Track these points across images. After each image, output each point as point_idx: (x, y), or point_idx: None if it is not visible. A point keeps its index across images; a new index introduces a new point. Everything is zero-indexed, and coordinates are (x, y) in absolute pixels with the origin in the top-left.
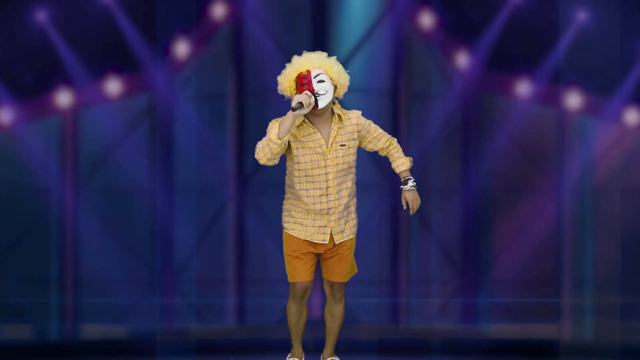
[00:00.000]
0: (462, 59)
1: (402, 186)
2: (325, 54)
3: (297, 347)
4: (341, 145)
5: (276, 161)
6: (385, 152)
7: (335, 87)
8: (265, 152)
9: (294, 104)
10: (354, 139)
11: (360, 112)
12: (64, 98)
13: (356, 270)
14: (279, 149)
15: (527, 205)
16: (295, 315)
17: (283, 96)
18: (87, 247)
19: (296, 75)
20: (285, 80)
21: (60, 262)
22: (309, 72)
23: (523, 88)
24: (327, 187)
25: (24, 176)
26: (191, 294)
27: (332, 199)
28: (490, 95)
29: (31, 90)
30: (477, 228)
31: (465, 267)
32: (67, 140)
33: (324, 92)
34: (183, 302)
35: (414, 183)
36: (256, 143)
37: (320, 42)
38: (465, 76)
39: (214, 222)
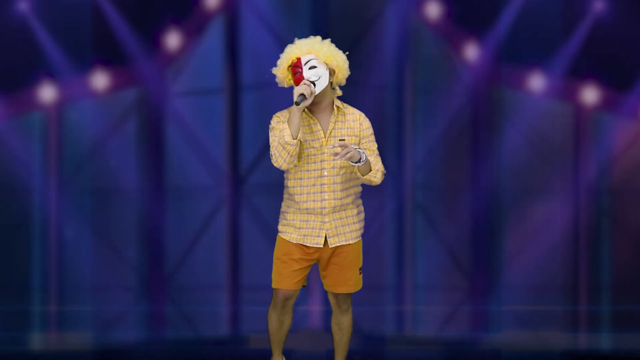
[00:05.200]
0: (472, 51)
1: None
2: (318, 38)
3: (277, 357)
4: (340, 140)
5: (296, 161)
6: None
7: (333, 72)
8: (284, 156)
9: (295, 97)
10: (355, 136)
11: (364, 115)
12: (47, 93)
13: (360, 286)
14: (297, 149)
15: (541, 207)
16: (276, 325)
17: (280, 91)
18: (71, 252)
19: (289, 64)
20: (280, 72)
21: (43, 268)
22: (299, 59)
23: (536, 82)
24: (322, 184)
25: (5, 176)
26: (182, 301)
27: (326, 197)
28: (502, 90)
29: (12, 84)
30: (487, 231)
31: (475, 272)
32: (51, 137)
33: (317, 78)
34: (174, 310)
35: (364, 159)
36: (252, 141)
37: (321, 33)
38: (475, 69)
39: (207, 225)
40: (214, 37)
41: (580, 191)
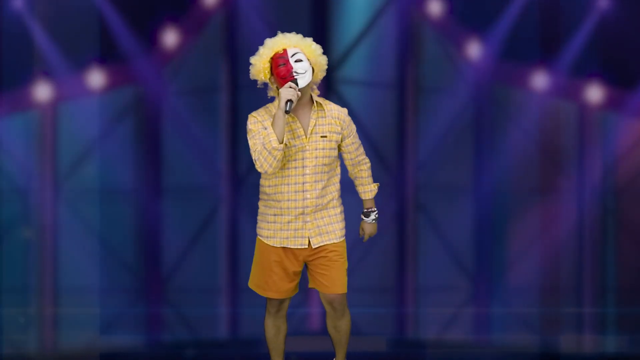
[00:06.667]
0: (474, 49)
1: (363, 217)
2: (300, 35)
3: None
4: (322, 137)
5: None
6: (355, 171)
7: (313, 70)
8: (270, 161)
9: (282, 104)
10: (337, 133)
11: (346, 110)
12: (42, 91)
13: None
14: (282, 154)
15: (545, 207)
16: (272, 331)
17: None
18: (67, 253)
19: (272, 55)
20: (260, 62)
21: (38, 269)
22: (285, 50)
23: (540, 80)
24: (304, 183)
25: (0, 175)
26: (180, 303)
27: (308, 196)
28: (505, 88)
29: (7, 83)
30: (490, 232)
31: (478, 274)
32: (46, 136)
33: (303, 72)
34: (171, 312)
35: (376, 216)
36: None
37: (321, 30)
38: (478, 67)
39: (205, 226)
40: (212, 35)
41: (584, 191)
